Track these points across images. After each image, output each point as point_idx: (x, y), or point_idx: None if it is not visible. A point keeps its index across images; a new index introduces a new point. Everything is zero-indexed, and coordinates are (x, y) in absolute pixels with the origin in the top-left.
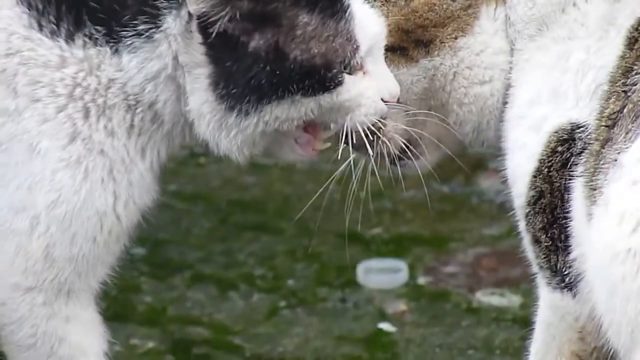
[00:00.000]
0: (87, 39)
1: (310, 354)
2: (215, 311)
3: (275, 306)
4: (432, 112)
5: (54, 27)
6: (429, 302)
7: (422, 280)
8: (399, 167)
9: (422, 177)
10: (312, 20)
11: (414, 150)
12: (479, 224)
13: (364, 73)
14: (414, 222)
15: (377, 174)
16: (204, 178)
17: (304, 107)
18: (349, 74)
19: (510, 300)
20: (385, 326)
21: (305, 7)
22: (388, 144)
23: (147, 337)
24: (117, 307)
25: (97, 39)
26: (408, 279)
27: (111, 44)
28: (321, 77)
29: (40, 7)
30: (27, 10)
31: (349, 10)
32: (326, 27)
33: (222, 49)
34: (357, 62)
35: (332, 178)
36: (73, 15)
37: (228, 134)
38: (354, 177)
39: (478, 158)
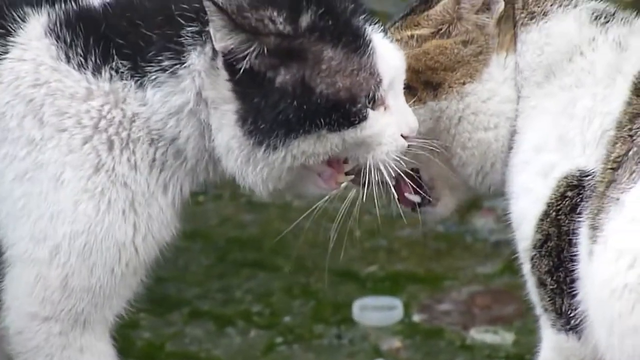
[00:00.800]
0: (113, 72)
1: None
2: (213, 347)
3: (272, 342)
4: (434, 146)
5: (82, 59)
6: (424, 339)
7: (416, 317)
8: (419, 213)
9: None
10: (336, 54)
11: (432, 194)
12: (473, 262)
13: (385, 108)
14: (409, 260)
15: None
16: (202, 216)
17: (329, 142)
18: (372, 109)
19: (504, 337)
20: None
21: (330, 42)
22: (379, 172)
23: None
24: (116, 342)
25: (122, 72)
26: (403, 316)
27: (136, 78)
28: (346, 111)
29: (69, 39)
30: (55, 42)
31: (371, 44)
32: (350, 61)
33: (248, 85)
34: (380, 96)
35: (312, 211)
36: (100, 49)
37: (255, 168)
38: (339, 214)
39: (472, 197)
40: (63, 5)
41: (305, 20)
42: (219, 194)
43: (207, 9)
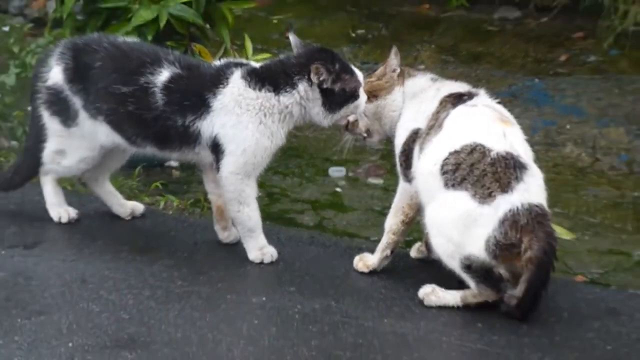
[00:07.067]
0: (266, 91)
1: (310, 196)
2: (281, 183)
3: (301, 182)
4: (375, 120)
5: (254, 86)
6: (351, 182)
7: (350, 174)
8: (364, 141)
9: (355, 142)
10: (349, 77)
11: (370, 134)
12: (370, 156)
13: (360, 94)
14: (348, 156)
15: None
16: None
17: (351, 107)
18: (360, 94)
19: (379, 182)
20: (338, 189)
21: (346, 73)
22: (360, 130)
23: (258, 192)
24: None
25: (269, 91)
26: (345, 173)
27: (275, 93)
28: (354, 95)
29: (249, 79)
30: (245, 80)
31: (356, 72)
32: (353, 79)
33: (326, 92)
34: (360, 90)
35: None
36: (261, 83)
37: (327, 119)
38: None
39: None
40: (246, 66)
41: (337, 66)
42: None
43: (316, 66)
